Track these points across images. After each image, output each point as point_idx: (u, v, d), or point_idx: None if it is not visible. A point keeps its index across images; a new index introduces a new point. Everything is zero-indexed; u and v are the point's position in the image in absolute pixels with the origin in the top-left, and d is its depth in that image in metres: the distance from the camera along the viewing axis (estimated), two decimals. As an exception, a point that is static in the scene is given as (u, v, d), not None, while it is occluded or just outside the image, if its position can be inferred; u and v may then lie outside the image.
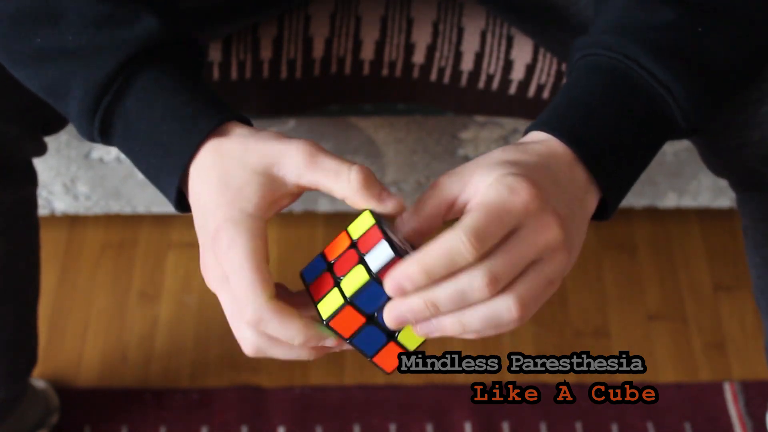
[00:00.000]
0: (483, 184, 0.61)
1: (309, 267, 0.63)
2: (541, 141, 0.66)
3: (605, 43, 0.69)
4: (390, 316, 0.60)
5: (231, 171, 0.63)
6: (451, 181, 0.63)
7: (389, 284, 0.59)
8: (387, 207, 0.62)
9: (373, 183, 0.62)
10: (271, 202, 0.63)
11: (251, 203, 0.62)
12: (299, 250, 1.37)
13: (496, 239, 0.59)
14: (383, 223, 0.62)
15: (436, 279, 0.58)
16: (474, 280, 0.58)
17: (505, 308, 0.59)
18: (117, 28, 0.67)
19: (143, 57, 0.67)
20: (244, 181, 0.63)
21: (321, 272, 0.63)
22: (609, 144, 0.66)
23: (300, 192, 0.65)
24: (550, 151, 0.65)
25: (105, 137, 0.69)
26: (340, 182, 0.62)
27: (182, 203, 0.68)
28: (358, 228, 0.62)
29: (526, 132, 0.68)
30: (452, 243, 0.58)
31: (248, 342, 0.63)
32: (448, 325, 0.60)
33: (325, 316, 0.61)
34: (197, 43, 0.72)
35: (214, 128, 0.65)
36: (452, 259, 0.58)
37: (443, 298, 0.59)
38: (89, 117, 0.68)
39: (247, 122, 0.68)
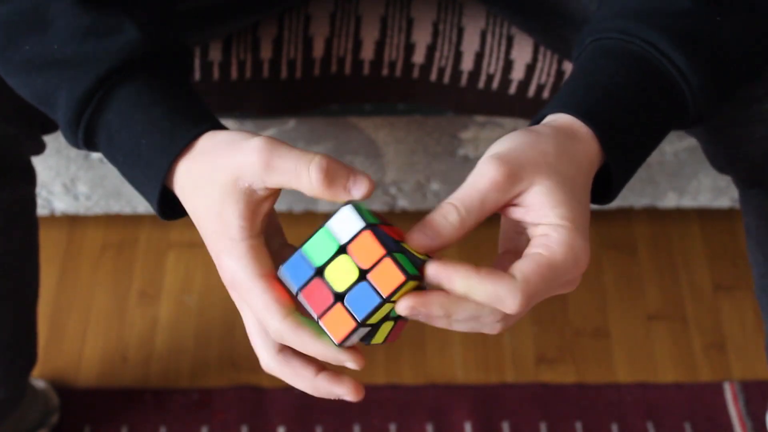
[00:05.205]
0: (548, 217, 0.60)
1: (290, 264, 0.61)
2: (578, 137, 0.64)
3: (621, 27, 0.68)
4: (405, 306, 0.58)
5: (209, 196, 0.63)
6: (512, 183, 0.60)
7: (432, 276, 0.58)
8: (355, 195, 0.60)
9: (336, 176, 0.60)
10: (252, 215, 0.62)
11: (235, 228, 0.62)
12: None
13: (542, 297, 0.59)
14: (372, 223, 0.60)
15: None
16: (495, 319, 0.59)
17: (497, 329, 0.61)
18: (100, 40, 0.67)
19: (124, 69, 0.67)
20: (221, 204, 0.62)
21: (310, 278, 0.61)
22: (625, 126, 0.66)
23: (276, 191, 0.63)
24: (588, 156, 0.64)
25: (90, 146, 0.70)
26: (302, 182, 0.60)
27: (167, 211, 0.68)
28: (343, 230, 0.60)
29: (546, 108, 0.66)
30: (506, 295, 0.57)
31: (263, 362, 0.64)
32: (441, 324, 0.60)
33: (338, 338, 0.60)
34: (185, 49, 0.72)
35: (189, 144, 0.65)
36: (495, 304, 0.58)
37: (461, 318, 0.59)
38: (74, 128, 0.68)
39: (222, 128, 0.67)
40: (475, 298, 0.58)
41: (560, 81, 1.00)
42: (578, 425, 1.22)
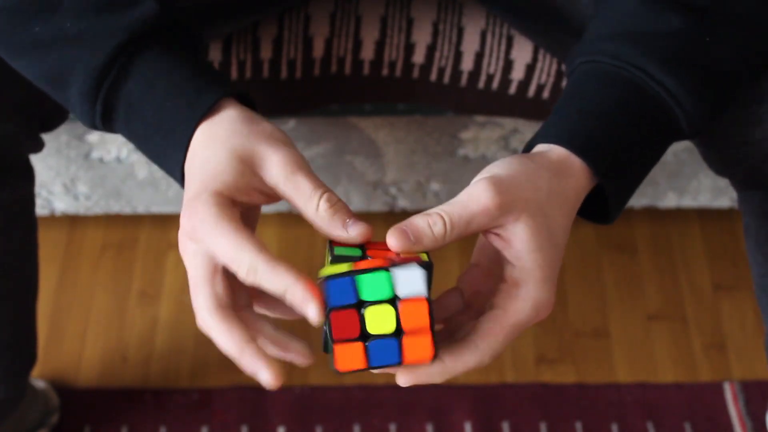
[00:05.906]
0: (522, 260, 0.63)
1: (336, 282, 0.61)
2: (570, 172, 0.66)
3: (611, 51, 0.68)
4: (405, 383, 0.65)
5: (215, 153, 0.64)
6: (501, 213, 0.63)
7: (407, 380, 0.65)
8: (350, 236, 0.63)
9: (341, 211, 0.63)
10: (243, 188, 0.63)
11: (222, 183, 0.63)
12: (299, 250, 1.37)
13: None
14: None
15: None
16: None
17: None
18: (116, 13, 0.67)
19: (143, 39, 0.67)
20: (224, 164, 0.63)
21: (348, 305, 0.61)
22: (619, 155, 0.67)
23: (275, 198, 0.65)
24: (577, 191, 0.66)
25: (107, 122, 0.69)
26: (311, 205, 0.63)
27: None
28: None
29: (540, 136, 0.68)
30: (477, 363, 0.63)
31: (200, 315, 0.63)
32: None
33: (342, 368, 0.64)
34: (195, 31, 0.73)
35: (216, 102, 0.66)
36: (473, 370, 0.64)
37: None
38: (91, 102, 0.68)
39: (249, 99, 0.69)
40: (455, 374, 0.64)
41: (560, 81, 1.00)
42: (578, 425, 1.22)
